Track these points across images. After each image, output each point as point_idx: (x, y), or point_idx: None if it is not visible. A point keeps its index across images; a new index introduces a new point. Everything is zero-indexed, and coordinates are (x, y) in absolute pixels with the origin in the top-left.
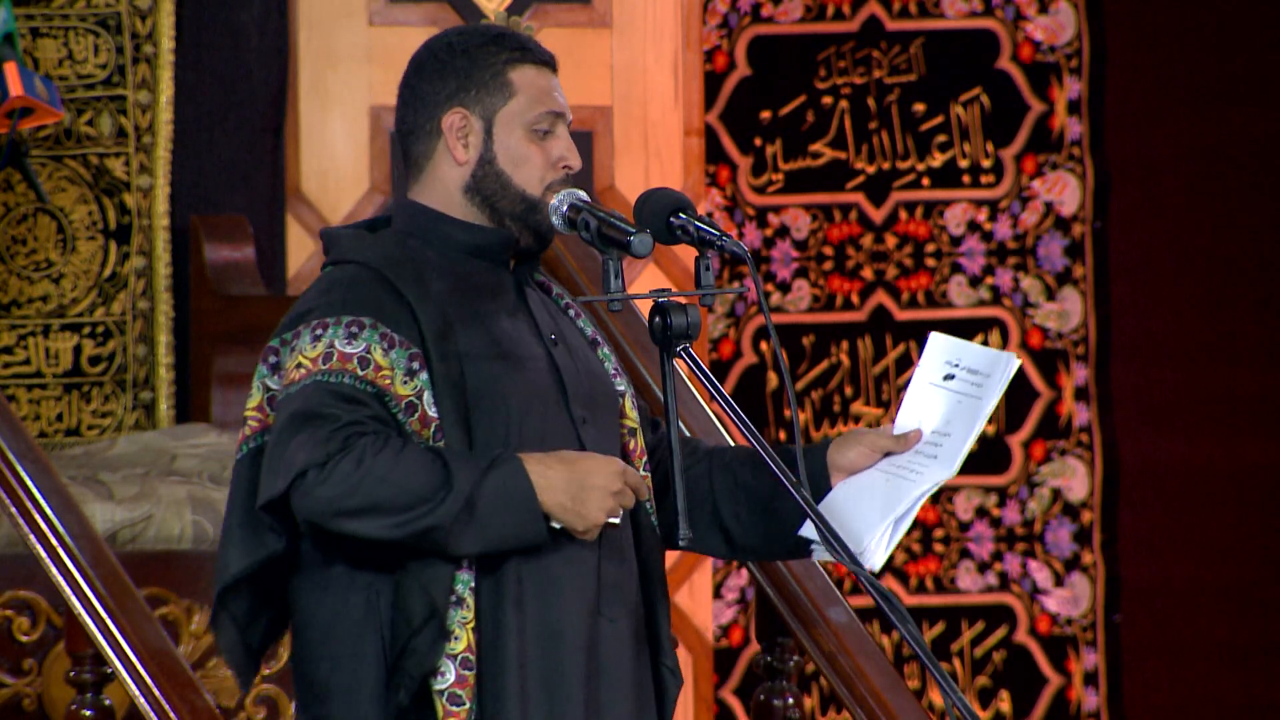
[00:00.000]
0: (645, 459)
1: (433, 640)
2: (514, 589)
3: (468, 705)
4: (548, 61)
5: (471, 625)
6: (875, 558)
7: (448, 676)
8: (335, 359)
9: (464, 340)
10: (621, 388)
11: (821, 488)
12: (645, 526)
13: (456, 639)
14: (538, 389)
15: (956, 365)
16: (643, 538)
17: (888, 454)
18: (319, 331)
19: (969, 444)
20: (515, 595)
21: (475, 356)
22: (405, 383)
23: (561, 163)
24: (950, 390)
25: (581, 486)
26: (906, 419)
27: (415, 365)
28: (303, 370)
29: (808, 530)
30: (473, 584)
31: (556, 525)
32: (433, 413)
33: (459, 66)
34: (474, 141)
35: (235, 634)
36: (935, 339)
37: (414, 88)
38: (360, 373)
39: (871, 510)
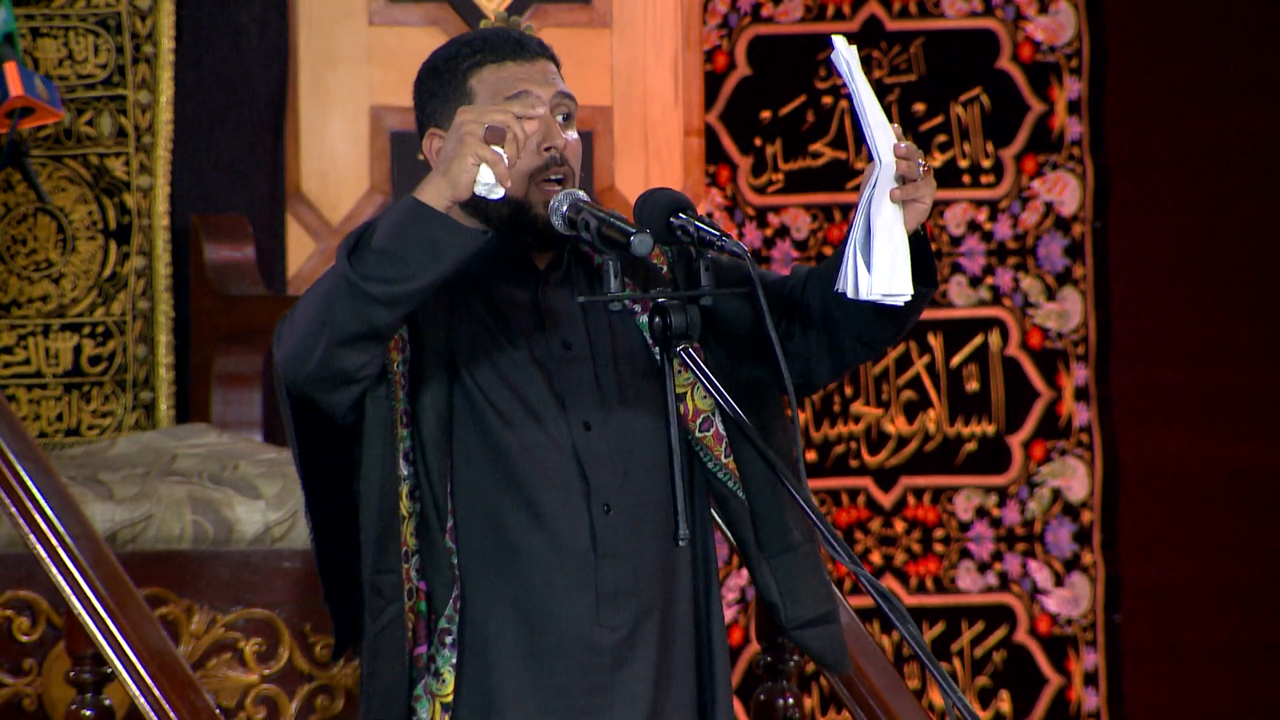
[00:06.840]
0: (699, 419)
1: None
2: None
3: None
4: (515, 54)
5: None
6: (875, 285)
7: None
8: None
9: (458, 342)
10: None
11: None
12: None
13: (444, 681)
14: (528, 405)
15: (849, 63)
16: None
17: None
18: None
19: (875, 130)
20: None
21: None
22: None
23: (542, 146)
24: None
25: (443, 158)
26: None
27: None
28: None
29: (845, 285)
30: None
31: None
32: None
33: (431, 87)
34: None
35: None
36: (839, 43)
37: (415, 114)
38: None
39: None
